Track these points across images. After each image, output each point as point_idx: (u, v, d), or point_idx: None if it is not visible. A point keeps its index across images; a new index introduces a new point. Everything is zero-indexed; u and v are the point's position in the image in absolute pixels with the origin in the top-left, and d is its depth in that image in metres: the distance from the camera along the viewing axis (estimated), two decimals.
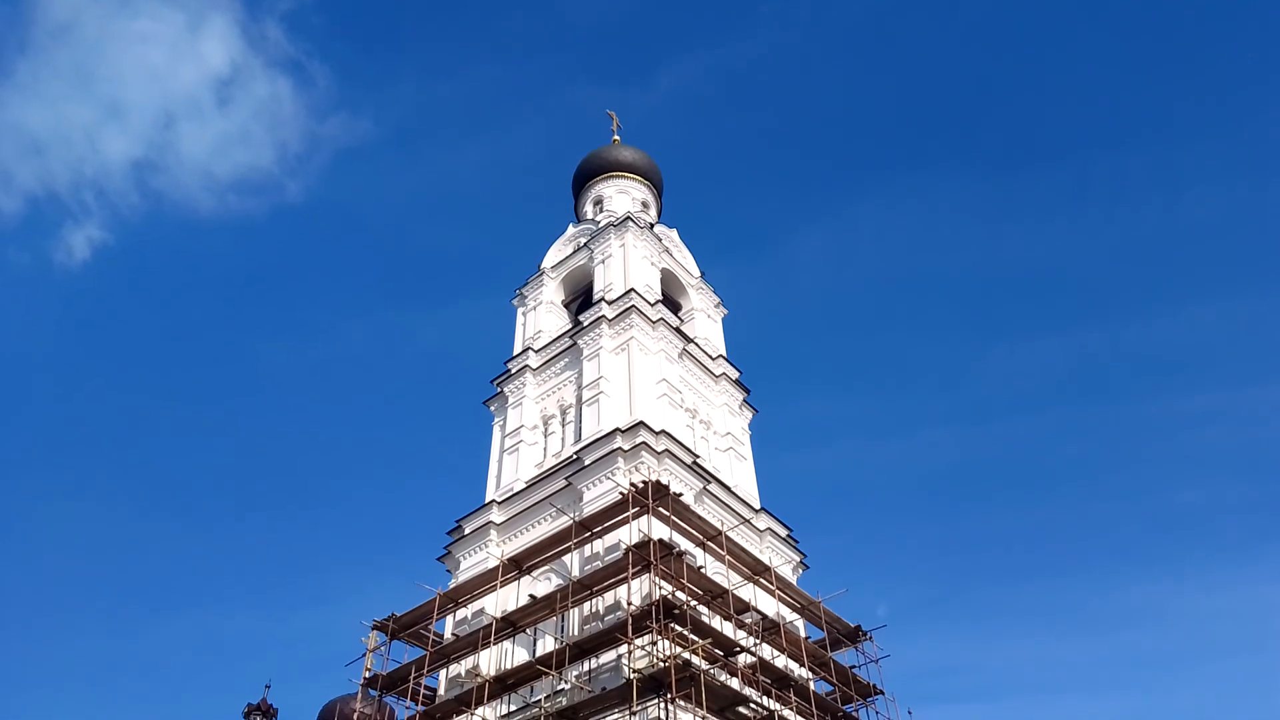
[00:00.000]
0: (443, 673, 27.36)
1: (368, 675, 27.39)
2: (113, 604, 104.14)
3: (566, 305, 38.97)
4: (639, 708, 20.09)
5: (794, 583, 29.00)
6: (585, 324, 33.29)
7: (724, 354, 37.11)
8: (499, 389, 35.14)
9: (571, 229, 40.90)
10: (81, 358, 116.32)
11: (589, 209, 43.35)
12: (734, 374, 36.27)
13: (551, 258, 39.98)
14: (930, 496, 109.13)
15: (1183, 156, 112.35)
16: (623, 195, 42.98)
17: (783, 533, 31.36)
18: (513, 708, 24.47)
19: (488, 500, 31.06)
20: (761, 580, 26.26)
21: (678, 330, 34.36)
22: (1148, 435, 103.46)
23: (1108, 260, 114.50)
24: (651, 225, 39.26)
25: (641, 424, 27.76)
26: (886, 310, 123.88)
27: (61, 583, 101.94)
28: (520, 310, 38.99)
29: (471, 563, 29.40)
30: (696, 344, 35.51)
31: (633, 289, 33.34)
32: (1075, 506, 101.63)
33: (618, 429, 27.97)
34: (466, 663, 26.36)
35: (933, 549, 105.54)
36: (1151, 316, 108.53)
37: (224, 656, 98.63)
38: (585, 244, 38.42)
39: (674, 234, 40.97)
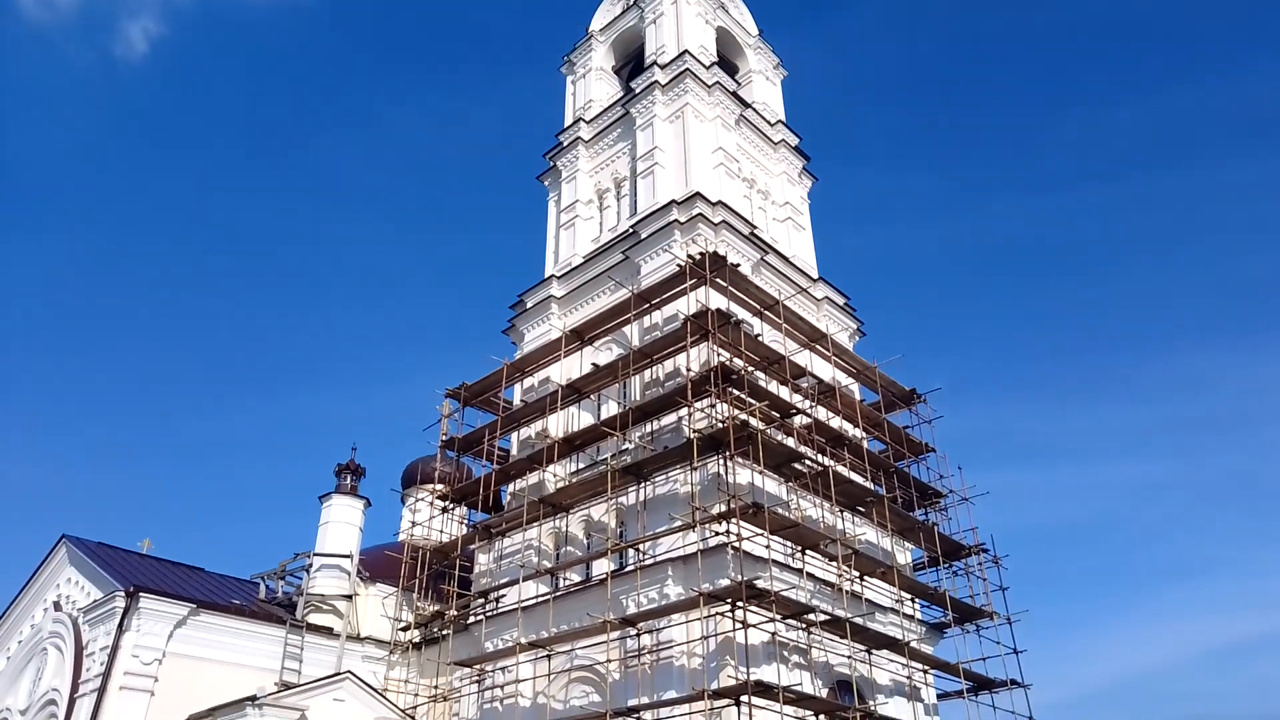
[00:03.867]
0: (514, 435, 29.19)
1: (444, 438, 29.40)
2: (211, 385, 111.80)
3: (617, 72, 37.30)
4: (699, 464, 21.33)
5: (850, 349, 29.49)
6: (637, 91, 31.99)
7: (783, 119, 35.60)
8: (552, 163, 34.62)
9: None
10: (149, 151, 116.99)
11: None
12: (793, 140, 34.98)
13: (599, 19, 37.78)
14: (993, 270, 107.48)
15: None
16: None
17: (840, 301, 31.48)
18: (581, 465, 26.20)
19: (547, 275, 31.55)
20: (818, 347, 26.74)
21: (734, 95, 32.85)
22: (1226, 202, 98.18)
23: (1205, 10, 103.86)
24: None
25: (698, 195, 27.33)
26: (957, 74, 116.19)
27: (171, 366, 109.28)
28: (570, 79, 37.51)
29: (535, 335, 30.41)
30: (754, 109, 34.03)
31: (686, 51, 31.60)
32: (1141, 278, 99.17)
33: (673, 201, 27.62)
34: (535, 426, 27.99)
35: (991, 322, 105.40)
36: (1248, 72, 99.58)
37: (315, 428, 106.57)
38: (635, 2, 36.08)
39: None
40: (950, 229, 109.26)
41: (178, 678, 22.84)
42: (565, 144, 34.30)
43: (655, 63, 32.23)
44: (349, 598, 27.39)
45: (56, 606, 25.79)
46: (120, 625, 22.34)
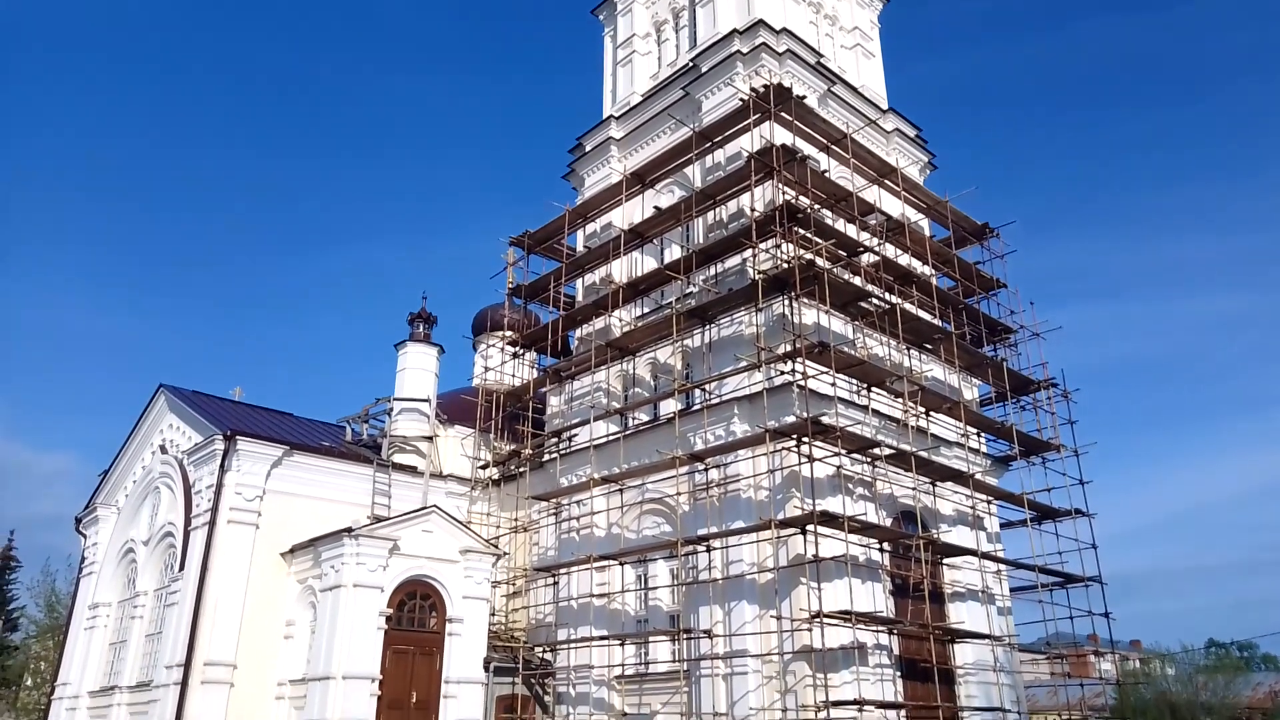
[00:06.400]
0: (579, 282, 29.40)
1: (511, 286, 29.80)
2: (288, 241, 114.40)
3: None
4: (764, 305, 21.29)
5: (921, 183, 28.47)
6: None
7: None
8: None
9: None
10: (205, 11, 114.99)
11: None
12: None
13: None
14: (1076, 96, 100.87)
15: None
16: None
17: (911, 133, 30.14)
18: (646, 309, 26.41)
19: (605, 117, 30.76)
20: (887, 182, 25.85)
21: None
22: None
23: None
24: None
25: (760, 23, 25.92)
26: None
27: (249, 222, 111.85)
28: None
29: (595, 179, 30.01)
30: None
31: None
32: (1233, 102, 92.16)
33: (735, 30, 26.29)
34: (599, 272, 28.10)
35: (1070, 153, 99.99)
36: None
37: (385, 280, 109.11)
38: None
39: None
40: (1030, 53, 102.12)
41: (278, 512, 24.60)
42: None
43: None
44: (430, 439, 28.74)
45: (163, 449, 27.71)
46: (222, 466, 23.97)
